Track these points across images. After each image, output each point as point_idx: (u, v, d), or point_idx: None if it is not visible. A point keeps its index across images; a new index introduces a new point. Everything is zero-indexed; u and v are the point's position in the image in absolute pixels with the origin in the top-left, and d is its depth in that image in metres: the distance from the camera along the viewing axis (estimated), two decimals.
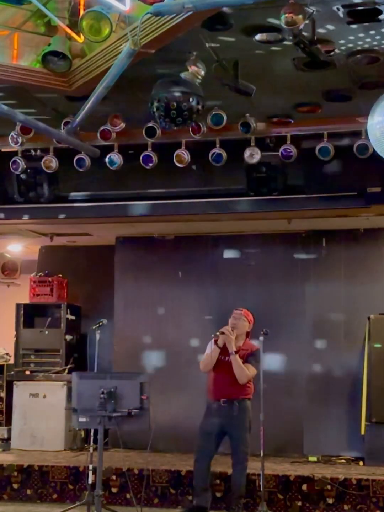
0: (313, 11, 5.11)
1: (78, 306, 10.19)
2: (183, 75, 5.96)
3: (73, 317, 9.98)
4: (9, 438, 9.48)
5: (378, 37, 5.62)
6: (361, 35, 5.57)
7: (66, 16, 5.96)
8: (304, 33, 5.33)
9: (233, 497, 7.01)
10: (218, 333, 6.99)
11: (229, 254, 9.58)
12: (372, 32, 5.53)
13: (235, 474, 7.00)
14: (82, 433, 9.27)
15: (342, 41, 5.69)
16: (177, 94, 6.16)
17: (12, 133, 7.52)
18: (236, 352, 6.96)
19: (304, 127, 7.50)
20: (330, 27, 5.47)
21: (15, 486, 7.98)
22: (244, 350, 7.07)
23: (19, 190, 8.26)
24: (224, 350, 7.02)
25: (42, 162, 7.86)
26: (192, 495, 7.31)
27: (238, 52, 5.96)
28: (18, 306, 9.96)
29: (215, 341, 7.05)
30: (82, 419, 6.38)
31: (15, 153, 7.95)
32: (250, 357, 7.01)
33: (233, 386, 6.94)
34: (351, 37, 5.61)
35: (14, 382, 9.54)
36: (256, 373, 7.00)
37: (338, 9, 5.19)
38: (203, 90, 6.24)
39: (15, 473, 8.00)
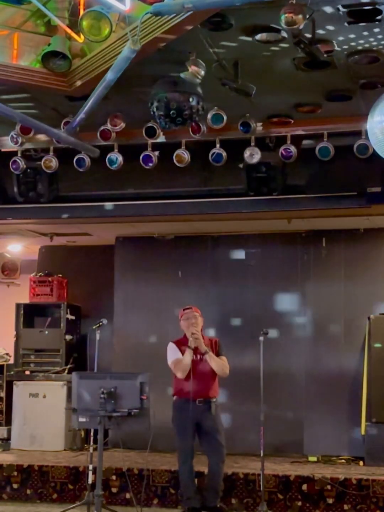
0: (313, 11, 5.11)
1: (78, 306, 10.19)
2: (183, 75, 5.95)
3: (73, 317, 9.99)
4: (9, 438, 9.49)
5: (377, 38, 5.62)
6: (363, 33, 5.56)
7: (66, 16, 5.96)
8: (304, 33, 5.33)
9: (216, 497, 6.95)
10: (191, 337, 7.00)
11: (230, 254, 9.58)
12: (373, 31, 5.53)
13: (218, 473, 6.96)
14: (82, 433, 9.27)
15: (342, 41, 5.69)
16: (177, 94, 6.16)
17: (12, 133, 7.52)
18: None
19: (304, 127, 7.49)
20: (330, 27, 5.47)
21: (15, 486, 7.99)
22: (208, 344, 7.12)
23: (19, 190, 8.26)
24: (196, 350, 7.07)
25: (42, 162, 7.86)
26: (184, 498, 7.08)
27: (238, 52, 5.96)
28: (18, 306, 9.96)
29: (175, 343, 7.13)
30: (82, 419, 6.39)
31: (15, 153, 7.95)
32: (219, 349, 7.12)
33: (208, 385, 7.00)
34: (352, 36, 5.60)
35: (14, 382, 9.55)
36: None
37: (338, 9, 5.19)
38: (203, 90, 6.25)
39: (15, 473, 8.00)
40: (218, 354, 7.08)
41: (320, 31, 5.49)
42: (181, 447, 7.01)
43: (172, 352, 7.11)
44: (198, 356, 7.03)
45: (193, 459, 7.01)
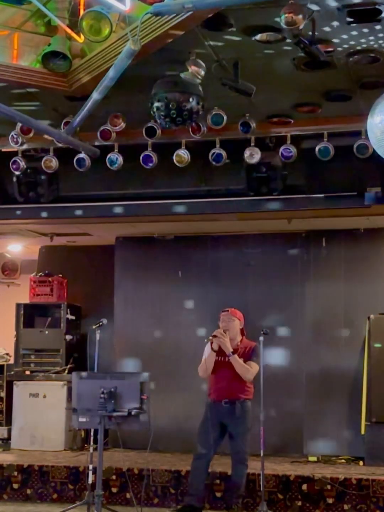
0: (313, 11, 5.11)
1: (78, 306, 10.19)
2: (183, 75, 5.96)
3: (73, 317, 9.99)
4: (9, 438, 9.49)
5: (377, 37, 5.62)
6: (364, 33, 5.56)
7: (66, 16, 5.96)
8: (304, 33, 5.33)
9: (233, 497, 7.01)
10: (211, 337, 7.00)
11: (230, 254, 9.58)
12: (373, 31, 5.53)
13: (236, 474, 7.00)
14: (82, 433, 9.27)
15: (342, 41, 5.69)
16: (177, 94, 6.16)
17: (12, 133, 7.52)
18: (235, 352, 6.98)
19: (304, 127, 7.49)
20: (330, 27, 5.46)
21: (15, 486, 7.99)
22: (243, 347, 7.10)
23: (19, 190, 8.26)
24: (221, 352, 7.02)
25: (42, 162, 7.86)
26: (186, 493, 7.21)
27: (238, 52, 5.96)
28: (18, 306, 9.96)
29: (211, 344, 7.08)
30: (82, 419, 6.39)
31: (15, 153, 7.95)
32: (252, 354, 7.05)
33: (234, 386, 6.96)
34: (352, 36, 5.59)
35: (14, 382, 9.55)
36: (258, 369, 7.02)
37: (338, 9, 5.19)
38: (203, 90, 6.25)
39: (15, 473, 8.00)
40: (248, 359, 7.02)
41: (320, 31, 5.48)
42: (199, 444, 7.02)
43: (205, 352, 7.14)
44: (224, 358, 7.01)
45: (209, 459, 7.00)
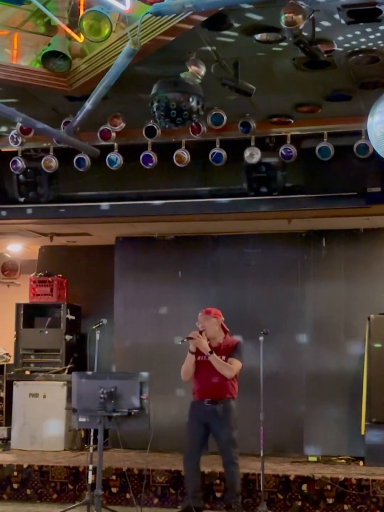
0: (313, 11, 5.11)
1: (78, 306, 10.18)
2: (183, 75, 5.96)
3: (73, 317, 9.98)
4: (9, 438, 9.48)
5: (377, 37, 5.62)
6: (364, 33, 5.56)
7: (66, 16, 5.97)
8: (304, 33, 5.33)
9: (230, 496, 7.00)
10: (185, 339, 6.99)
11: (230, 254, 9.58)
12: (373, 31, 5.53)
13: (229, 473, 6.98)
14: (82, 433, 9.27)
15: (342, 41, 5.69)
16: (177, 94, 6.16)
17: (12, 133, 7.53)
18: (217, 350, 6.98)
19: (304, 127, 7.50)
20: (330, 27, 5.47)
21: (15, 486, 7.99)
22: (225, 345, 7.08)
23: (19, 190, 8.26)
24: (201, 352, 7.00)
25: (42, 162, 7.86)
26: (186, 496, 7.21)
27: (238, 52, 5.96)
28: (18, 306, 9.95)
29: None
30: (82, 419, 6.39)
31: (15, 153, 7.96)
32: (233, 351, 7.03)
33: (216, 386, 6.94)
34: (354, 34, 5.59)
35: (14, 382, 9.55)
36: (241, 366, 7.01)
37: (338, 9, 5.19)
38: (203, 90, 6.25)
39: (15, 473, 8.00)
40: (230, 356, 7.02)
41: (320, 31, 5.48)
42: (186, 446, 7.04)
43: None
44: (204, 358, 7.00)
45: (198, 459, 6.99)
